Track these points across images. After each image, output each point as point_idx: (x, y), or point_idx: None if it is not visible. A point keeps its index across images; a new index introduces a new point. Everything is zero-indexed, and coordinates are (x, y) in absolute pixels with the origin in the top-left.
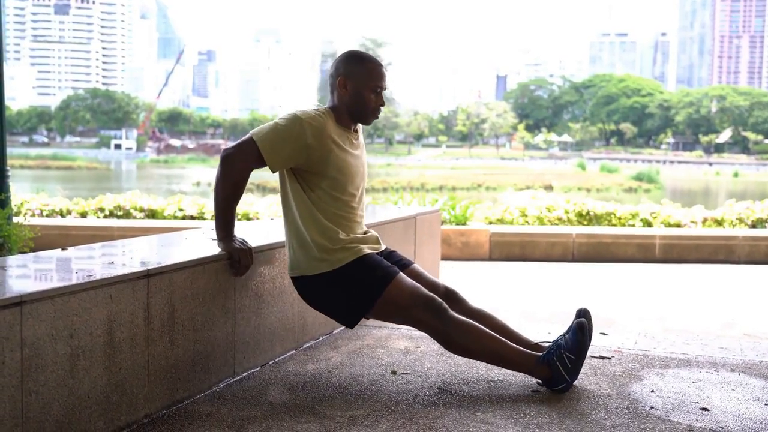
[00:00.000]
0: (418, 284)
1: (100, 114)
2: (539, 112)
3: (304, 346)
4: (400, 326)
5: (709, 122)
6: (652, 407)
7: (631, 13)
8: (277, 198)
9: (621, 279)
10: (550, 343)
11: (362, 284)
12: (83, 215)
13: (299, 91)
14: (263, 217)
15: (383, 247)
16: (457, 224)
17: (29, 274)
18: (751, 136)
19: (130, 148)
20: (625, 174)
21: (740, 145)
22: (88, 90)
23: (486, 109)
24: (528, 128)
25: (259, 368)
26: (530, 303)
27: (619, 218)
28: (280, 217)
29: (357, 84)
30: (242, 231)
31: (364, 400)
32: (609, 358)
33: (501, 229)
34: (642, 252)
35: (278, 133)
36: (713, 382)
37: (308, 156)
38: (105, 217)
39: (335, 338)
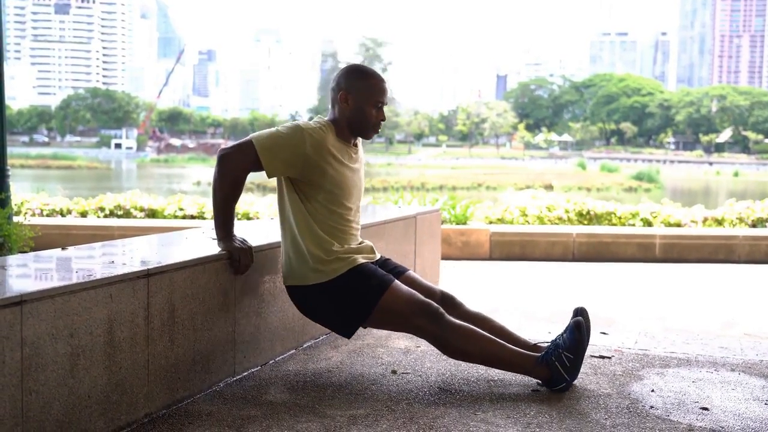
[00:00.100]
0: (414, 291)
1: (101, 113)
2: (539, 112)
3: (305, 346)
4: None
5: (709, 122)
6: (652, 407)
7: (632, 13)
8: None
9: (621, 278)
10: (549, 344)
11: (358, 293)
12: (83, 215)
13: (299, 91)
14: (263, 217)
15: (378, 256)
16: (458, 224)
17: (29, 274)
18: (751, 135)
19: (130, 148)
20: (626, 173)
21: (740, 145)
22: (88, 89)
23: (486, 108)
24: (528, 128)
25: (259, 368)
26: (530, 302)
27: (620, 218)
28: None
29: (358, 99)
30: (242, 230)
31: (365, 400)
32: (609, 358)
33: (501, 229)
34: (642, 251)
35: (277, 139)
36: (713, 381)
37: (304, 166)
38: (105, 216)
39: (335, 338)
